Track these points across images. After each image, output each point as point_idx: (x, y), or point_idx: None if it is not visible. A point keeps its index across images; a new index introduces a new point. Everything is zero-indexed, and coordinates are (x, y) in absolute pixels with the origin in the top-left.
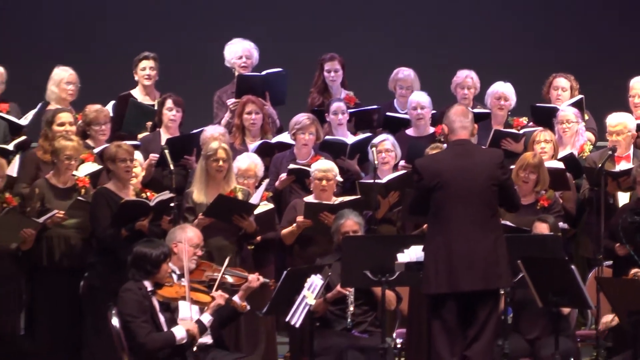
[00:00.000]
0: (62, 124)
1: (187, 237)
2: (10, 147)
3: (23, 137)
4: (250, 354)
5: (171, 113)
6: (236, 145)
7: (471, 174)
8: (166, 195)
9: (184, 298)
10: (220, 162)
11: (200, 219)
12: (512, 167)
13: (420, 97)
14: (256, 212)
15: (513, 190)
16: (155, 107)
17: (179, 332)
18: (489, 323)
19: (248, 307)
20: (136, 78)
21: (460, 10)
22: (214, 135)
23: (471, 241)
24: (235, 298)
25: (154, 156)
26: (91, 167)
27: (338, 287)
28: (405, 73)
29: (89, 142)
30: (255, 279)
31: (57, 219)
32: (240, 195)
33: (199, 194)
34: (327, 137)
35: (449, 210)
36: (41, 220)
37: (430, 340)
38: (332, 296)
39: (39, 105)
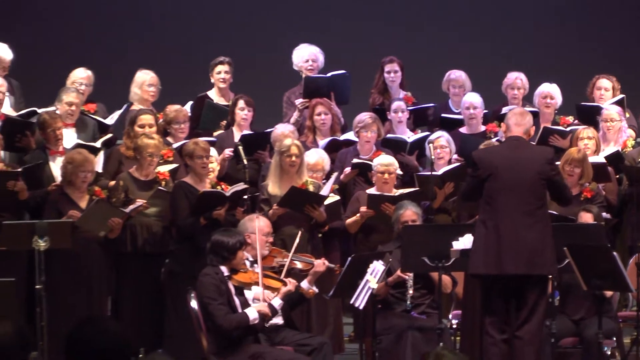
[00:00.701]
0: (142, 126)
1: (258, 227)
2: (98, 144)
3: (109, 135)
4: (320, 334)
5: (243, 112)
6: (308, 144)
7: (522, 167)
8: (240, 186)
9: (257, 283)
10: (293, 158)
11: (275, 209)
12: (557, 162)
13: (473, 98)
14: (325, 202)
15: (563, 185)
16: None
17: (252, 314)
18: (538, 306)
19: (316, 291)
20: (212, 81)
21: (511, 16)
22: (284, 132)
23: (519, 228)
24: (304, 283)
25: (228, 152)
26: (169, 166)
27: (398, 272)
28: (456, 74)
29: (169, 139)
30: (321, 264)
31: (141, 208)
32: (311, 188)
33: (273, 187)
34: (389, 135)
35: (500, 199)
36: (127, 210)
37: (481, 321)
38: (393, 280)
39: (125, 106)
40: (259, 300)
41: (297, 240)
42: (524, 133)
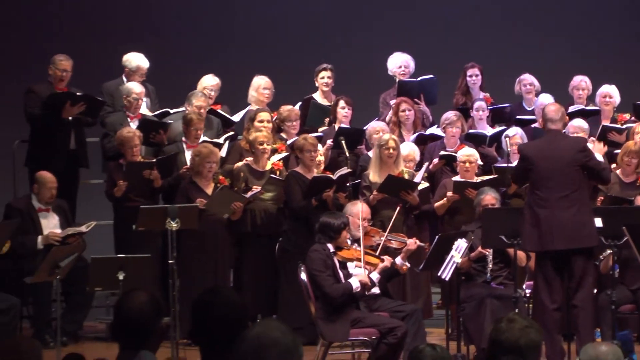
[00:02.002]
0: (261, 121)
1: (355, 211)
2: (221, 140)
3: (231, 133)
4: (414, 302)
5: (344, 111)
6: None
7: (558, 157)
8: (345, 170)
9: (358, 259)
10: (391, 150)
11: (375, 194)
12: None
13: (547, 99)
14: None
15: (599, 169)
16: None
17: (355, 283)
18: (586, 275)
19: (408, 266)
20: (317, 84)
21: (576, 24)
22: (375, 128)
23: (558, 211)
24: (398, 259)
25: (329, 142)
26: (280, 155)
27: (479, 249)
28: (527, 77)
29: (283, 134)
30: (413, 243)
31: (258, 194)
32: (406, 176)
33: (374, 175)
34: (471, 130)
35: (541, 186)
36: (247, 195)
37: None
38: (475, 256)
39: (248, 107)
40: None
41: (394, 218)
42: (559, 127)
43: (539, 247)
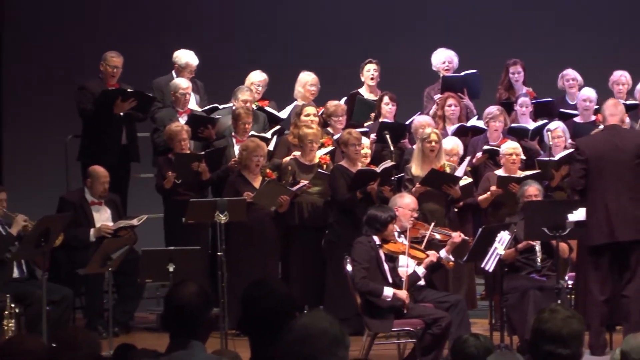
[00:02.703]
0: (307, 115)
1: (405, 203)
2: (268, 135)
3: (277, 127)
4: (457, 293)
5: (388, 107)
6: (439, 130)
7: (619, 150)
8: (389, 163)
9: (403, 253)
10: (433, 143)
11: (417, 187)
12: None
13: (590, 93)
14: (460, 183)
15: None
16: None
17: (388, 292)
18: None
19: (453, 261)
20: (362, 79)
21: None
22: (421, 123)
23: (622, 202)
24: (442, 252)
25: (373, 136)
26: (326, 149)
27: (528, 241)
28: (570, 72)
29: (329, 129)
30: (457, 236)
31: (305, 188)
32: (448, 169)
33: (416, 168)
34: (513, 124)
35: (603, 178)
36: (294, 189)
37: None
38: (522, 247)
39: (294, 102)
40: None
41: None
42: (619, 121)
43: (609, 238)
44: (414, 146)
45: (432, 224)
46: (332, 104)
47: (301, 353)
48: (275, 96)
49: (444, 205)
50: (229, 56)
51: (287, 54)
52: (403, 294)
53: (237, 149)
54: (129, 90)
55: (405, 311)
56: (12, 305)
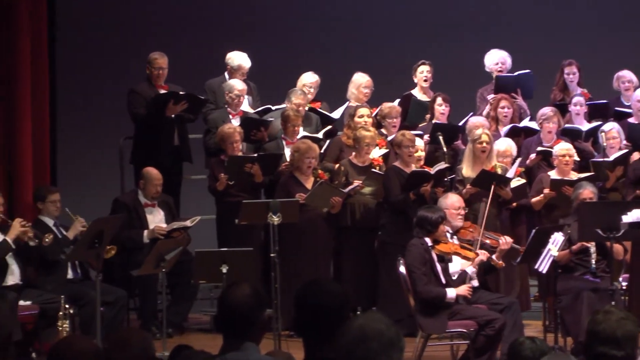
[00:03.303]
0: (361, 116)
1: (450, 203)
2: (320, 135)
3: (329, 127)
4: (507, 295)
5: (441, 108)
6: (491, 132)
7: None
8: (442, 165)
9: (455, 253)
10: (484, 144)
11: (468, 188)
12: None
13: None
14: (512, 184)
15: None
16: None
17: (451, 293)
18: None
19: (503, 264)
20: (415, 80)
21: None
22: (475, 124)
23: None
24: (493, 257)
25: (426, 137)
26: (381, 151)
27: (582, 242)
28: (626, 74)
29: (383, 130)
30: (506, 243)
31: (358, 188)
32: (499, 170)
33: (467, 170)
34: (567, 125)
35: None
36: (346, 190)
37: None
38: (577, 248)
39: (347, 103)
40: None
41: (486, 211)
42: None
43: None
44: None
45: (482, 226)
46: (386, 105)
47: (356, 355)
48: (327, 97)
49: (495, 206)
50: (281, 57)
51: (339, 55)
52: (463, 289)
53: (287, 151)
54: (180, 93)
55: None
56: (67, 306)
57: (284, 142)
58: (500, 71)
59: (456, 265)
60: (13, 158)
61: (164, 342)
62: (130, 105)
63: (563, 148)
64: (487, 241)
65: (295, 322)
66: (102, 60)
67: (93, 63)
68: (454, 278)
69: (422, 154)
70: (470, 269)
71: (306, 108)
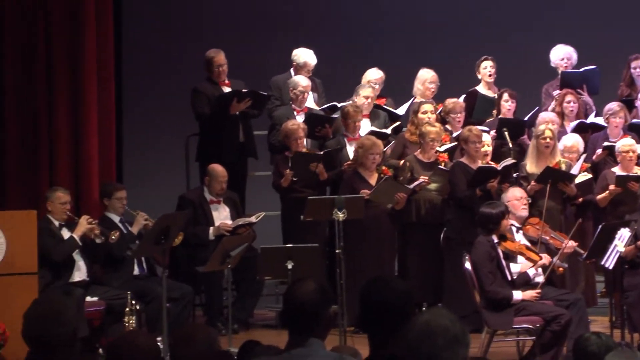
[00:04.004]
0: (425, 112)
1: (512, 195)
2: (388, 131)
3: (397, 123)
4: (572, 291)
5: (507, 104)
6: (557, 127)
7: None
8: (509, 161)
9: (520, 253)
10: (547, 140)
11: (533, 185)
12: None
13: None
14: (577, 180)
15: None
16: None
17: (517, 296)
18: None
19: (565, 267)
20: (479, 76)
21: None
22: (545, 119)
23: None
24: (555, 259)
25: (492, 133)
26: (445, 147)
27: None
28: None
29: (448, 126)
30: (570, 246)
31: (424, 184)
32: (563, 167)
33: (531, 166)
34: (634, 120)
35: None
36: (411, 186)
37: None
38: None
39: (412, 100)
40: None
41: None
42: None
43: None
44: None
45: (545, 228)
46: (450, 101)
47: (422, 351)
48: (392, 93)
49: (560, 202)
50: (347, 54)
51: (404, 52)
52: (529, 294)
53: (349, 148)
54: (243, 90)
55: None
56: (133, 302)
57: (345, 139)
58: (565, 67)
59: (518, 265)
60: (79, 156)
61: (229, 338)
62: (194, 104)
63: (626, 144)
64: (551, 242)
65: (360, 319)
66: (167, 58)
67: (159, 61)
68: (514, 278)
69: (489, 149)
70: (532, 272)
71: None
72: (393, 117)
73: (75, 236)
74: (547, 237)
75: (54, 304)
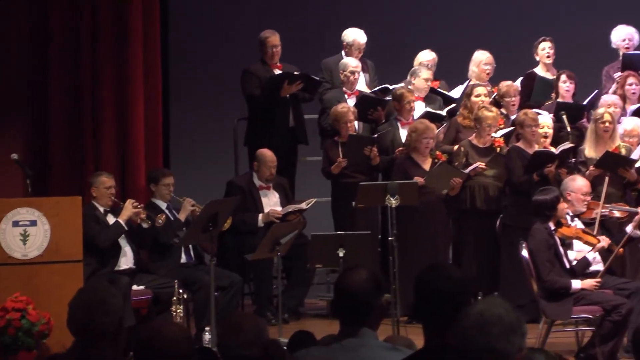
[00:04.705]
0: (478, 96)
1: (577, 187)
2: (443, 113)
3: (453, 105)
4: (632, 279)
5: (565, 85)
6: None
7: None
8: (567, 145)
9: (577, 238)
10: (607, 124)
11: (591, 170)
12: None
13: None
14: (638, 165)
15: None
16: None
17: (576, 285)
18: None
19: (622, 251)
20: (537, 58)
21: None
22: (607, 102)
23: None
24: (629, 228)
25: (551, 116)
26: (502, 131)
27: None
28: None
29: (502, 110)
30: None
31: (479, 169)
32: (623, 151)
33: (589, 150)
34: None
35: None
36: (466, 171)
37: None
38: None
39: (466, 82)
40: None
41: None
42: None
43: None
44: None
45: (602, 198)
46: (504, 84)
47: (476, 340)
48: (445, 75)
49: (619, 188)
50: (399, 35)
51: (458, 33)
52: (589, 283)
53: (402, 132)
54: (295, 73)
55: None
56: (180, 290)
57: (398, 123)
58: (627, 48)
59: (574, 253)
60: (125, 141)
61: (279, 327)
62: (244, 86)
63: None
64: (616, 213)
65: (415, 308)
66: (215, 40)
67: (206, 42)
68: (574, 264)
69: (549, 131)
70: (592, 255)
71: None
72: (447, 101)
73: (121, 221)
74: (606, 211)
75: (100, 292)
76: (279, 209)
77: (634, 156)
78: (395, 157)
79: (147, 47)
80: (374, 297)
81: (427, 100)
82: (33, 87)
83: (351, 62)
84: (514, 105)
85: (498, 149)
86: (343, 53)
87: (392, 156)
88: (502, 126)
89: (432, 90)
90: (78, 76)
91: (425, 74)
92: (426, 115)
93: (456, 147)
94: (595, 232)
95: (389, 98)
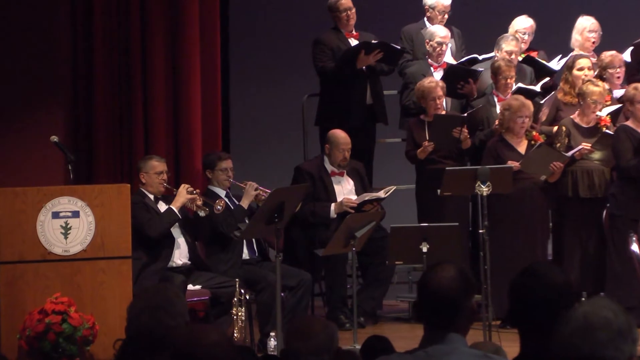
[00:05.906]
0: (581, 69)
1: None
2: (537, 88)
3: (546, 79)
4: None
5: None
6: None
7: None
8: None
9: None
10: None
11: None
12: None
13: None
14: None
15: None
16: None
17: None
18: None
19: None
20: None
21: None
22: None
23: None
24: None
25: None
26: (609, 109)
27: None
28: None
29: (606, 84)
30: None
31: (584, 151)
32: None
33: None
34: None
35: None
36: (569, 153)
37: None
38: None
39: (571, 53)
40: None
41: None
42: None
43: None
44: None
45: None
46: (607, 54)
47: (581, 347)
48: (545, 45)
49: None
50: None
51: None
52: None
53: (499, 109)
54: (373, 42)
55: None
56: (242, 290)
57: (495, 98)
58: None
59: None
60: (180, 122)
61: (354, 332)
62: (315, 58)
63: None
64: None
65: (511, 315)
66: (280, 6)
67: (270, 10)
68: None
69: None
70: None
71: (519, 58)
72: (545, 72)
73: (174, 208)
74: None
75: (165, 293)
76: (354, 197)
77: None
78: (493, 130)
79: (204, 17)
80: (462, 298)
81: (517, 73)
82: (76, 62)
83: (439, 31)
84: (618, 77)
85: (604, 129)
86: (426, 20)
87: (489, 130)
88: (608, 103)
89: (529, 60)
90: (125, 51)
91: (509, 45)
92: (518, 91)
93: (556, 127)
94: None
95: (481, 69)
